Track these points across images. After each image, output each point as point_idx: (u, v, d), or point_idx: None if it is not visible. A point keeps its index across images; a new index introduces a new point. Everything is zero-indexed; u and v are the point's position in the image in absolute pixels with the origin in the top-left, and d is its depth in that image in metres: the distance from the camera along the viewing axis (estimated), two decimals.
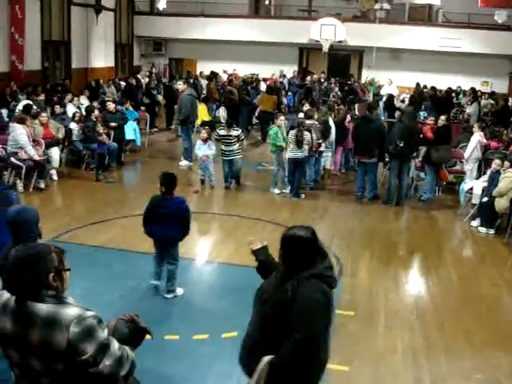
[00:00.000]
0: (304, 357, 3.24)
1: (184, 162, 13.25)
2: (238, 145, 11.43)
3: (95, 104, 14.63)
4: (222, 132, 11.46)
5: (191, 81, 18.94)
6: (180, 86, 14.52)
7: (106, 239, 8.41)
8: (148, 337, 3.16)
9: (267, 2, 25.13)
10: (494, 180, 9.66)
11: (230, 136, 11.28)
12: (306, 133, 10.81)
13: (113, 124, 12.54)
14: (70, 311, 2.72)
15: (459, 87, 22.02)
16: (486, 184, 10.04)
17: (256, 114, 17.24)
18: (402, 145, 10.50)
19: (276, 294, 3.41)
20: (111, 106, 13.01)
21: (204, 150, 11.38)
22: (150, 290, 6.71)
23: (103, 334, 2.76)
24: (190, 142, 13.38)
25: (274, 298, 3.41)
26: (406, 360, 5.59)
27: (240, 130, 11.74)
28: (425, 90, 21.33)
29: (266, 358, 3.27)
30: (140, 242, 8.25)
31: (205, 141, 11.42)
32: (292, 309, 3.26)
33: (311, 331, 3.23)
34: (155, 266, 6.74)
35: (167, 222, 6.39)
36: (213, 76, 20.72)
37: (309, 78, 22.09)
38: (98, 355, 2.71)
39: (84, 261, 7.20)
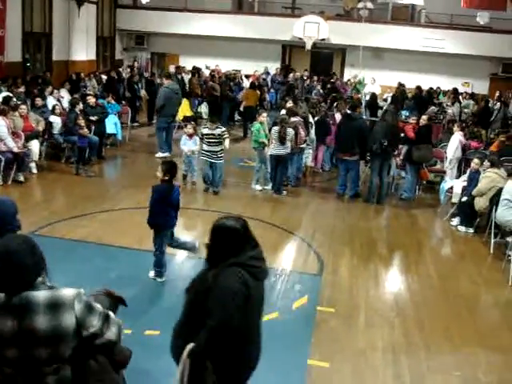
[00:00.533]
0: (217, 344, 3.23)
1: (159, 154, 13.23)
2: (221, 146, 10.74)
3: (76, 96, 14.47)
4: (206, 131, 10.75)
5: (179, 76, 18.80)
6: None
7: (86, 233, 8.32)
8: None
9: None
10: (473, 180, 9.76)
11: (214, 135, 10.65)
12: (290, 130, 10.82)
13: (93, 118, 12.41)
14: (67, 292, 2.79)
15: (439, 88, 22.17)
16: (465, 183, 10.13)
17: (241, 109, 17.22)
18: (386, 143, 10.56)
19: (199, 282, 3.46)
20: (92, 100, 12.91)
21: (190, 145, 11.22)
22: (130, 286, 6.66)
23: (98, 305, 2.91)
24: (161, 134, 13.54)
25: (196, 286, 3.46)
26: (385, 357, 5.62)
27: (223, 128, 11.14)
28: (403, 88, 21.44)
29: (189, 347, 3.27)
30: (121, 236, 8.26)
31: (190, 136, 11.22)
32: (209, 296, 3.28)
33: (223, 318, 3.22)
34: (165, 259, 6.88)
35: (174, 210, 6.67)
36: (195, 71, 20.65)
37: (291, 75, 22.09)
38: (103, 325, 2.86)
39: (64, 255, 7.12)
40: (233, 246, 3.40)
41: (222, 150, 10.76)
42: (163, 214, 6.61)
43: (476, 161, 9.95)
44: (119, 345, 3.01)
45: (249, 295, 3.31)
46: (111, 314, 2.99)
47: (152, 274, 6.84)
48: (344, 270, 7.78)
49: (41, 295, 2.72)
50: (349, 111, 11.67)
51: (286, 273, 7.49)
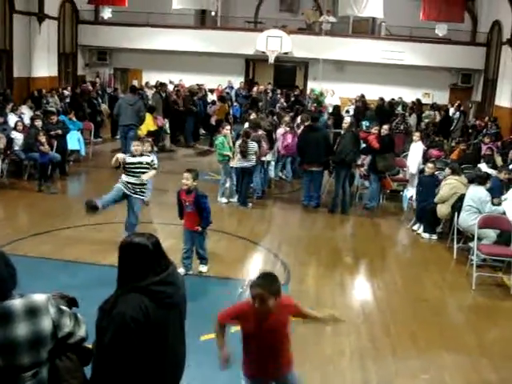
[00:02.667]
0: (102, 368, 3.11)
1: None
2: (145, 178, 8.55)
3: (38, 113, 14.35)
4: (131, 160, 8.40)
5: (141, 91, 18.77)
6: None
7: (50, 250, 8.20)
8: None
9: (213, 14, 25.14)
10: (426, 184, 9.88)
11: (141, 164, 8.44)
12: (252, 143, 10.87)
13: (53, 133, 12.26)
14: (39, 297, 2.87)
15: (400, 98, 22.53)
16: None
17: (213, 122, 17.26)
18: (354, 154, 10.78)
19: (105, 301, 3.25)
20: (54, 119, 12.79)
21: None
22: (94, 302, 6.56)
23: (64, 307, 3.00)
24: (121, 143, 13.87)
25: (103, 305, 3.24)
26: (353, 363, 5.65)
27: (153, 156, 9.25)
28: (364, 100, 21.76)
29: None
30: (84, 252, 8.15)
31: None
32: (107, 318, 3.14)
33: (111, 343, 3.07)
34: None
35: None
36: (160, 86, 20.60)
37: (255, 88, 22.22)
38: (75, 325, 2.98)
39: (27, 273, 6.89)
40: (140, 265, 3.19)
41: (143, 186, 8.60)
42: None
43: (430, 165, 10.11)
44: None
45: (148, 323, 3.11)
46: (76, 313, 3.08)
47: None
48: (310, 279, 7.82)
49: (17, 303, 2.77)
50: (310, 123, 11.81)
51: None
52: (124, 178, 8.40)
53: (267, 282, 3.90)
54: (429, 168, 10.07)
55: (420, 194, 10.04)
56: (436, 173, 10.16)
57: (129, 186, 8.35)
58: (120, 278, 3.28)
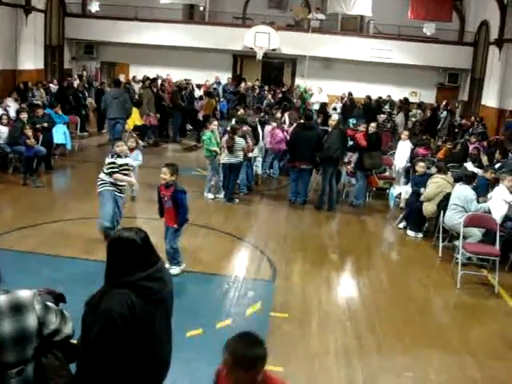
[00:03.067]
0: (87, 363, 3.08)
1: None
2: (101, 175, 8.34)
3: (24, 106, 14.22)
4: (120, 161, 8.24)
5: (127, 86, 18.64)
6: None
7: (35, 244, 8.13)
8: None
9: (202, 9, 25.07)
10: (418, 183, 9.90)
11: (127, 165, 8.43)
12: (239, 139, 10.85)
13: (39, 125, 12.15)
14: (24, 293, 2.83)
15: (389, 96, 22.60)
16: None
17: (200, 118, 17.21)
18: (341, 151, 10.89)
19: (92, 296, 3.21)
20: (40, 112, 12.68)
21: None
22: (81, 297, 6.52)
23: (50, 303, 2.97)
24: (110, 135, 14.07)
25: (90, 299, 3.21)
26: (338, 360, 5.66)
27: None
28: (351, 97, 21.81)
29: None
30: (70, 246, 8.10)
31: (131, 150, 9.97)
32: (93, 313, 3.12)
33: (97, 339, 3.04)
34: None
35: None
36: (151, 81, 20.48)
37: (243, 85, 22.18)
38: (61, 322, 2.95)
39: (11, 267, 6.89)
40: (128, 260, 3.16)
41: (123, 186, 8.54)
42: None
43: (421, 164, 10.14)
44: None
45: (134, 319, 3.09)
46: (62, 309, 3.05)
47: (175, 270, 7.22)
48: (297, 275, 7.82)
49: (2, 299, 2.74)
50: (304, 121, 11.85)
51: (238, 280, 7.47)
52: (108, 178, 8.18)
53: (244, 346, 2.94)
54: (420, 167, 10.10)
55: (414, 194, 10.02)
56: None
57: (117, 187, 8.29)
58: (108, 272, 3.25)
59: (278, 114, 14.06)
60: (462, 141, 14.61)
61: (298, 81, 24.52)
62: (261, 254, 8.52)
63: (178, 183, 7.14)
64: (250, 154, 11.74)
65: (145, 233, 3.31)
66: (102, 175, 8.26)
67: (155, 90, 17.56)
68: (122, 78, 20.18)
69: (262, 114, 14.46)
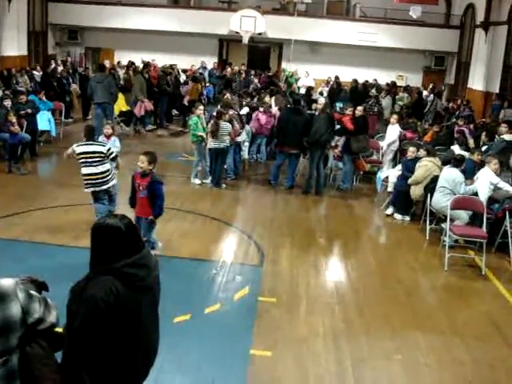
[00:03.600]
0: (86, 352, 3.06)
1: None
2: (107, 166, 8.07)
3: (7, 93, 14.03)
4: (81, 149, 7.98)
5: (112, 71, 18.44)
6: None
7: (20, 232, 8.04)
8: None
9: None
10: (408, 167, 9.89)
11: (94, 153, 7.95)
12: (225, 123, 10.77)
13: (23, 112, 12.01)
14: (6, 282, 2.76)
15: (375, 80, 22.56)
16: (400, 172, 10.30)
17: (185, 103, 17.09)
18: (328, 135, 10.88)
19: (77, 283, 3.18)
20: (23, 99, 12.52)
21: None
22: (66, 285, 6.47)
23: (33, 292, 2.91)
24: (96, 122, 13.74)
25: (71, 288, 3.17)
26: (327, 343, 5.66)
27: (113, 141, 8.97)
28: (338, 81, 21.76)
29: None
30: (56, 233, 8.03)
31: (108, 137, 9.32)
32: (78, 300, 3.09)
33: (80, 326, 3.02)
34: None
35: None
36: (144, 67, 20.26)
37: (229, 69, 22.04)
38: (45, 310, 2.89)
39: None
40: (113, 247, 3.14)
41: (109, 172, 8.10)
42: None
43: (412, 149, 10.14)
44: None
45: (119, 306, 3.07)
46: (46, 297, 2.99)
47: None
48: (284, 260, 7.80)
49: None
50: (293, 105, 11.83)
51: (226, 265, 7.44)
52: (84, 170, 7.95)
53: None
54: (410, 151, 10.08)
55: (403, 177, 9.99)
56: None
57: (89, 180, 7.95)
58: (92, 260, 3.22)
59: (267, 99, 14.02)
60: (448, 123, 14.62)
61: (284, 65, 24.42)
62: (248, 238, 8.49)
63: (155, 173, 6.93)
64: (238, 139, 11.69)
65: (129, 219, 3.28)
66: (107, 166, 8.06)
67: (147, 76, 17.31)
68: (107, 63, 20.05)
69: (251, 100, 14.38)
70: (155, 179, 6.85)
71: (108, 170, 8.05)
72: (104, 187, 8.03)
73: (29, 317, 2.78)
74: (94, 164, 7.92)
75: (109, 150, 8.05)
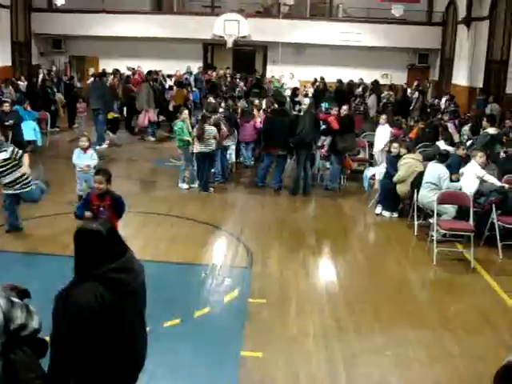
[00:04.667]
0: (71, 358, 3.04)
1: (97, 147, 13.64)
2: (16, 171, 8.05)
3: None
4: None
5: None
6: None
7: (5, 242, 8.00)
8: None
9: None
10: (393, 164, 9.91)
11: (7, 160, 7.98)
12: (210, 127, 10.76)
13: (7, 123, 11.96)
14: None
15: (361, 79, 22.62)
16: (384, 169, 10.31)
17: (171, 109, 17.06)
18: (314, 135, 10.96)
19: (60, 292, 3.16)
20: (7, 107, 12.47)
21: (85, 159, 9.43)
22: (52, 293, 6.43)
23: (15, 298, 2.91)
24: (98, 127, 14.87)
25: (56, 295, 3.16)
26: (317, 342, 5.65)
27: (11, 149, 8.11)
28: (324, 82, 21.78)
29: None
30: (43, 243, 7.99)
31: (85, 150, 9.42)
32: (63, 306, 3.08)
33: (66, 333, 3.02)
34: None
35: None
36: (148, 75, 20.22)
37: (214, 73, 22.04)
38: (27, 316, 2.89)
39: None
40: (95, 252, 3.13)
41: (22, 178, 8.17)
42: None
43: (395, 145, 10.16)
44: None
45: (104, 312, 3.06)
46: (28, 304, 2.99)
47: None
48: (273, 261, 7.79)
49: None
50: (277, 107, 11.85)
51: (215, 268, 7.43)
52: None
53: None
54: (394, 148, 10.11)
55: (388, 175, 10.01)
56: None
57: (10, 186, 8.10)
58: (76, 266, 3.21)
59: (257, 101, 14.02)
60: (433, 119, 14.67)
61: (272, 67, 24.40)
62: (237, 241, 8.48)
63: (111, 190, 6.35)
64: (225, 143, 11.69)
65: (110, 224, 3.30)
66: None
67: (152, 83, 17.23)
68: (91, 71, 20.05)
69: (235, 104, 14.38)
70: (115, 196, 6.29)
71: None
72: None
73: (11, 323, 2.77)
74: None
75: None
